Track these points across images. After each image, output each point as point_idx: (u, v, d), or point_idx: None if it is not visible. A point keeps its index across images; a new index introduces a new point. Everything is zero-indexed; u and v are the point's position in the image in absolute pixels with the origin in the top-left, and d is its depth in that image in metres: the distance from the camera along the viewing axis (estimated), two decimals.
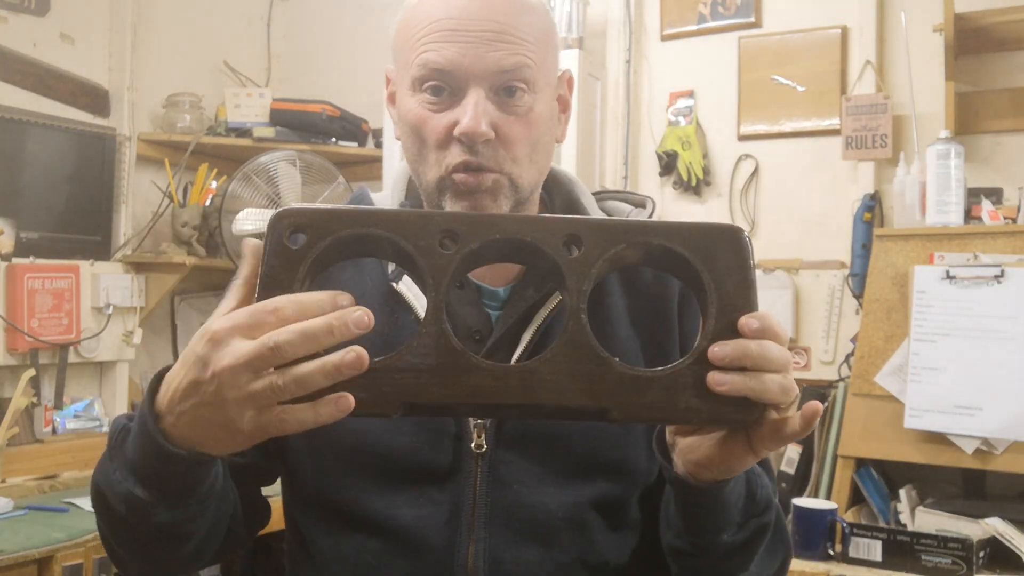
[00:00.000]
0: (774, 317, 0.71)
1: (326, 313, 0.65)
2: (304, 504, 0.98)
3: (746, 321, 0.70)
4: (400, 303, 0.96)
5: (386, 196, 1.06)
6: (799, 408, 0.72)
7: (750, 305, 0.71)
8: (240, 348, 0.65)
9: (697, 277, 0.71)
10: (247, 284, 0.70)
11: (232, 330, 0.66)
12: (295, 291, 0.67)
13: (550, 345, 0.70)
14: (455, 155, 0.92)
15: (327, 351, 0.65)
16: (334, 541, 0.95)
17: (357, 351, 0.64)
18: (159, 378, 0.74)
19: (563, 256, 0.70)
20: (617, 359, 0.70)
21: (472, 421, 0.92)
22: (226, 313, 0.68)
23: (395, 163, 2.90)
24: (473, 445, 0.92)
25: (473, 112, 0.90)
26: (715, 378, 0.69)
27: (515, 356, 0.94)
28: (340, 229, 0.68)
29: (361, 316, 0.65)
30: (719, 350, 0.69)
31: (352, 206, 0.73)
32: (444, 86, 0.93)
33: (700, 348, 0.70)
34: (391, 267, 0.98)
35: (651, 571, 0.98)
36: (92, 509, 0.86)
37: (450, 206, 0.94)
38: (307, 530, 0.98)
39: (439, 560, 0.91)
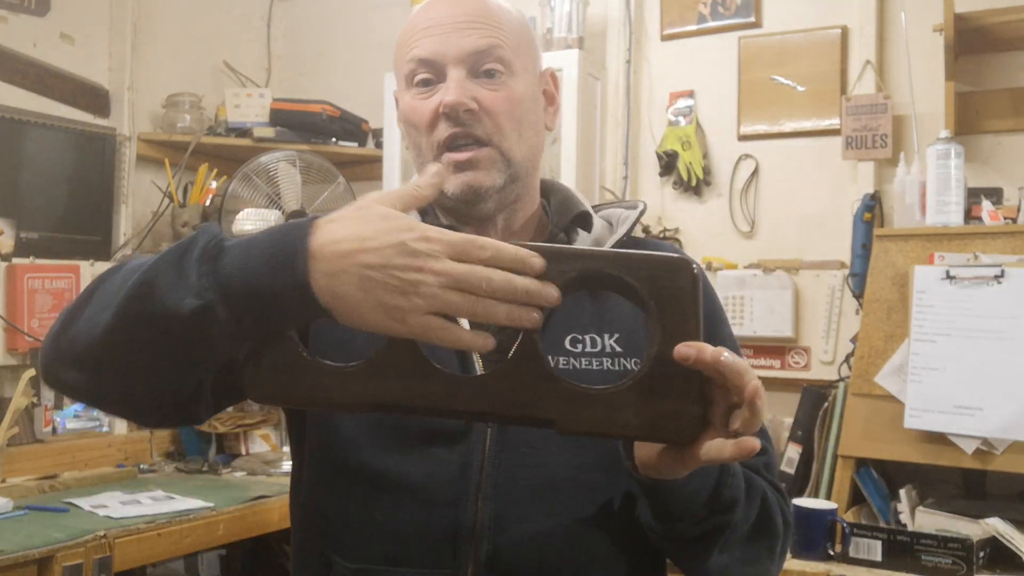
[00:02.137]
0: (711, 349, 0.75)
1: (521, 270, 0.74)
2: (314, 469, 1.02)
3: (681, 349, 0.75)
4: None
5: None
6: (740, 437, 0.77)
7: (694, 335, 0.76)
8: (455, 266, 0.72)
9: (646, 305, 0.77)
10: (419, 198, 0.78)
11: (446, 245, 0.73)
12: None
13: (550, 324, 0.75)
14: (442, 131, 1.01)
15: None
16: (343, 505, 0.98)
17: (537, 317, 0.74)
18: (307, 225, 0.75)
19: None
20: (563, 376, 0.77)
21: None
22: (392, 206, 0.76)
23: (394, 164, 2.90)
24: None
25: (453, 86, 1.00)
26: (681, 351, 0.75)
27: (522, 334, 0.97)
28: None
29: (551, 293, 0.74)
30: (685, 348, 0.75)
31: None
32: (430, 76, 1.03)
33: (642, 371, 0.76)
34: None
35: None
36: (93, 510, 0.80)
37: (446, 183, 1.01)
38: (315, 498, 1.02)
39: (446, 517, 0.95)
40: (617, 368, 1.00)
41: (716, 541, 0.93)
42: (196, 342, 0.78)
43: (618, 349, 1.01)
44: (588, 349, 1.01)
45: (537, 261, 0.74)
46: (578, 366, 0.99)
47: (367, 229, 0.74)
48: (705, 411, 0.76)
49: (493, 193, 1.02)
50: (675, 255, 0.78)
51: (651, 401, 0.76)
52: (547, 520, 0.96)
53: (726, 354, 0.74)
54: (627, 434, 0.79)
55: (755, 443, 0.76)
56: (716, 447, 0.77)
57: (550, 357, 0.97)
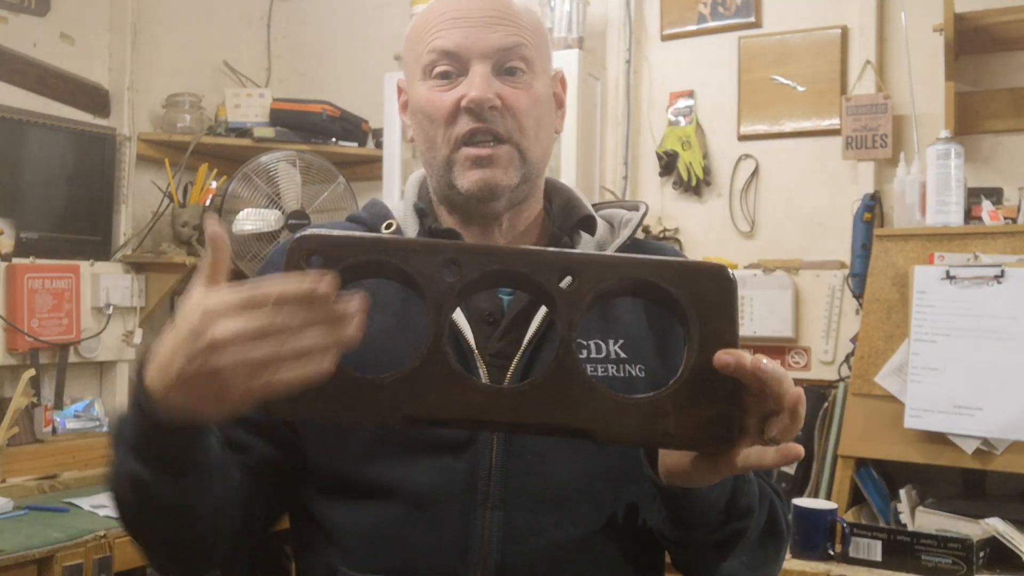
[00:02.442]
0: (749, 357, 0.74)
1: (311, 299, 0.69)
2: (320, 484, 1.00)
3: (721, 357, 0.74)
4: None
5: (398, 204, 1.11)
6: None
7: (732, 342, 0.75)
8: (238, 324, 0.69)
9: (683, 312, 0.75)
10: (217, 270, 0.74)
11: (229, 307, 0.70)
12: None
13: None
14: (463, 125, 1.00)
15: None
16: (351, 516, 0.97)
17: (349, 334, 0.70)
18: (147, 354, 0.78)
19: (557, 288, 0.75)
20: (603, 385, 0.76)
21: None
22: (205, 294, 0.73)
23: (394, 164, 2.90)
24: None
25: (479, 81, 0.99)
26: (721, 359, 0.74)
27: (526, 338, 0.98)
28: (352, 256, 0.73)
29: (349, 307, 0.70)
30: (725, 356, 0.74)
31: (364, 234, 0.75)
32: (451, 69, 1.01)
33: (680, 379, 0.75)
34: None
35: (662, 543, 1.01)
36: (93, 510, 0.89)
37: (461, 179, 1.01)
38: (321, 511, 1.00)
39: (455, 527, 0.94)
40: (622, 375, 1.00)
41: (731, 548, 0.92)
42: (155, 504, 0.84)
43: (623, 355, 1.00)
44: (593, 355, 1.00)
45: (322, 287, 0.69)
46: None
47: (168, 336, 0.73)
48: (743, 418, 0.75)
49: (507, 192, 1.02)
50: (712, 262, 0.78)
51: (691, 409, 0.75)
52: (555, 530, 0.95)
53: (765, 361, 0.73)
54: (666, 443, 0.78)
55: (800, 449, 0.76)
56: (756, 454, 0.76)
57: None
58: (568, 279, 0.75)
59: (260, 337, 0.69)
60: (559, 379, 0.74)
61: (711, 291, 0.75)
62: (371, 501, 0.96)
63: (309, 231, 0.75)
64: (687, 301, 0.75)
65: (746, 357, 0.74)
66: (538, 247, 0.75)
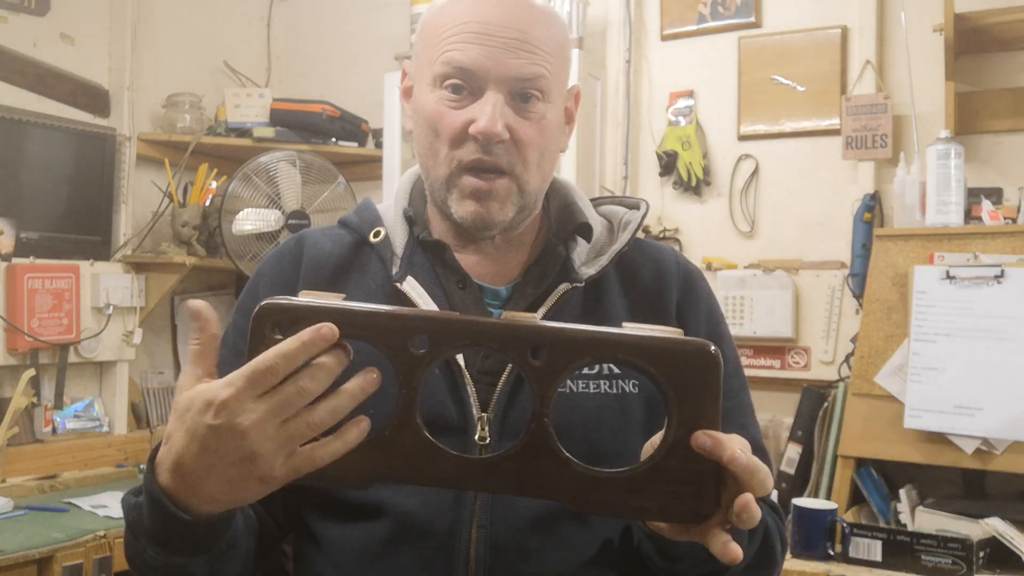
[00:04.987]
0: (728, 442, 0.72)
1: (321, 348, 0.70)
2: (312, 501, 1.00)
3: (699, 438, 0.72)
4: (404, 303, 0.99)
5: (389, 206, 1.10)
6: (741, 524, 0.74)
7: (712, 422, 0.73)
8: (259, 404, 0.69)
9: (663, 391, 0.74)
10: (207, 348, 0.74)
11: (240, 392, 0.69)
12: None
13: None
14: (468, 152, 0.97)
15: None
16: (341, 532, 0.97)
17: (374, 375, 0.72)
18: (153, 460, 0.77)
19: (528, 364, 0.73)
20: (575, 459, 0.74)
21: (476, 413, 0.96)
22: (194, 378, 0.73)
23: (394, 164, 2.90)
24: (477, 437, 0.95)
25: (491, 113, 0.95)
26: (699, 440, 0.72)
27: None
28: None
29: (372, 378, 0.72)
30: (703, 437, 0.73)
31: (329, 303, 0.73)
32: (464, 85, 0.97)
33: (657, 455, 0.74)
34: (395, 268, 1.03)
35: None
36: (93, 510, 0.87)
37: (456, 205, 0.99)
38: (314, 525, 1.00)
39: (442, 545, 0.93)
40: (615, 391, 0.99)
41: None
42: (209, 569, 0.84)
43: (616, 371, 0.99)
44: (586, 371, 0.98)
45: (326, 329, 0.70)
46: (575, 389, 0.97)
47: (180, 441, 0.72)
48: (718, 493, 0.74)
49: (501, 226, 1.00)
50: (695, 340, 0.74)
51: (666, 486, 0.74)
52: (542, 551, 0.94)
53: (739, 452, 0.72)
54: (640, 516, 0.78)
55: (737, 555, 0.73)
56: (714, 536, 0.74)
57: None
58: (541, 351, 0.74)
59: (285, 407, 0.69)
60: (531, 452, 0.73)
61: (693, 370, 0.73)
62: (359, 519, 0.96)
63: (274, 300, 0.73)
64: (666, 381, 0.73)
65: (724, 445, 0.72)
66: (511, 321, 0.74)
